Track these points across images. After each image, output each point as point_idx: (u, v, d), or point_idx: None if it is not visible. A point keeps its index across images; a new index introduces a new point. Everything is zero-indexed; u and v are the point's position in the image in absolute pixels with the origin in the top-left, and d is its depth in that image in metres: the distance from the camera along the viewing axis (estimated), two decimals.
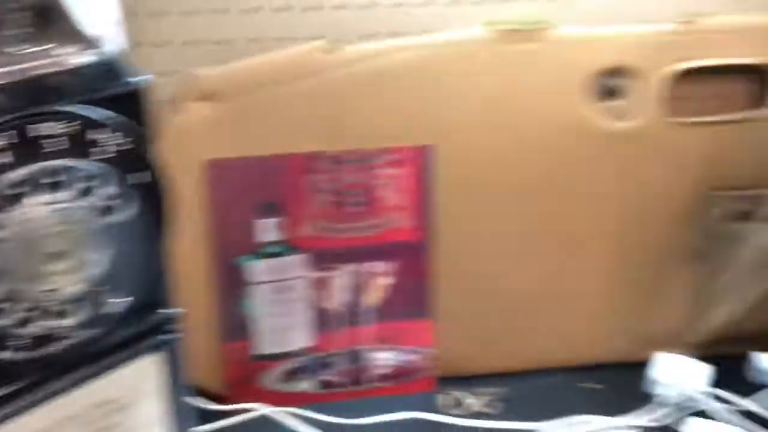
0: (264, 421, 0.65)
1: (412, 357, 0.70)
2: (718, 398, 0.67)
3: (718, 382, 0.69)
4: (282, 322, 0.67)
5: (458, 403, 0.68)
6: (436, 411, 0.67)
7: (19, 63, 0.32)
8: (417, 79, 0.63)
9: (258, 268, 0.65)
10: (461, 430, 0.65)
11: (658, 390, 0.69)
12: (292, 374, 0.68)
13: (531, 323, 0.71)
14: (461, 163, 0.66)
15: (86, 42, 0.34)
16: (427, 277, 0.68)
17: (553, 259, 0.69)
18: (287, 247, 0.65)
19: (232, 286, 0.65)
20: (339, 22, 0.64)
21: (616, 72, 0.66)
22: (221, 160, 0.62)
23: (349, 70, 0.63)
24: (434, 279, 0.68)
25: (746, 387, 0.70)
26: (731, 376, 0.71)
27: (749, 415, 0.66)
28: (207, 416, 0.64)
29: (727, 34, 0.66)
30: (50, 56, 0.32)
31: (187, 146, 0.62)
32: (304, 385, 0.69)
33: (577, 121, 0.66)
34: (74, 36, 0.33)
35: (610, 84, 0.66)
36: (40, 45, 0.32)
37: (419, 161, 0.65)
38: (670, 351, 0.72)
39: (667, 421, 0.66)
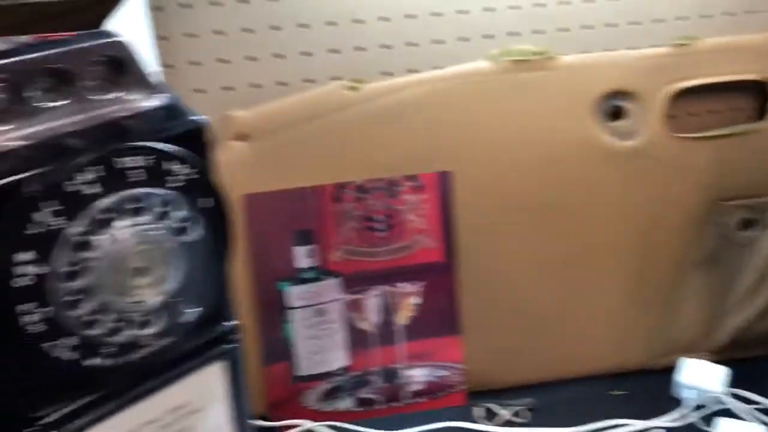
0: None
1: (443, 372, 0.74)
2: (741, 398, 0.70)
3: (740, 383, 0.72)
4: (320, 344, 0.71)
5: (490, 414, 0.72)
6: (470, 422, 0.70)
7: (99, 109, 0.37)
8: (433, 110, 0.68)
9: (295, 293, 0.69)
10: None
11: (683, 393, 0.72)
12: (332, 393, 0.72)
13: (556, 335, 0.75)
14: (480, 185, 0.70)
15: (152, 87, 0.39)
16: (454, 296, 0.72)
17: (572, 272, 0.73)
18: (322, 272, 0.70)
19: (272, 311, 0.69)
20: (358, 63, 0.69)
21: (619, 94, 0.70)
22: (258, 194, 0.67)
23: (370, 105, 0.68)
24: (461, 297, 0.72)
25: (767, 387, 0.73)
26: (753, 377, 0.74)
27: None
28: None
29: (720, 53, 0.71)
30: (124, 101, 0.38)
31: (227, 182, 0.67)
32: (344, 404, 0.72)
33: (587, 142, 0.71)
34: (142, 82, 0.38)
35: (615, 105, 0.71)
36: (115, 92, 0.38)
37: (440, 186, 0.70)
38: (690, 356, 0.75)
39: (692, 421, 0.69)
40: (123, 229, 0.34)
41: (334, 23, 0.68)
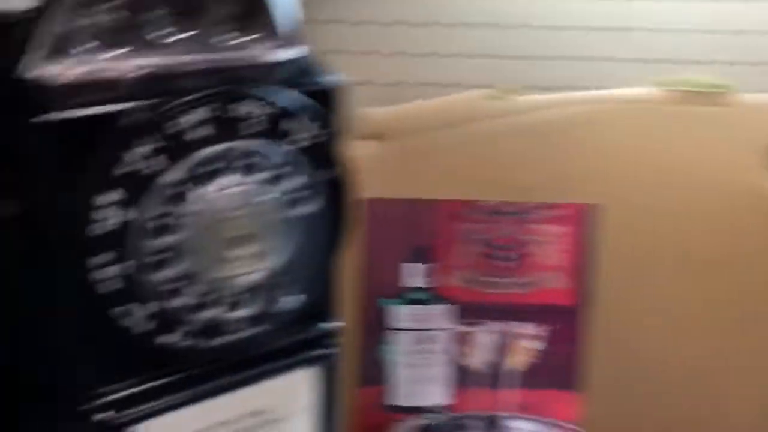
0: None
1: (553, 430, 0.65)
2: None
3: None
4: (419, 373, 0.64)
5: None
6: None
7: (222, 51, 0.32)
8: (585, 134, 0.61)
9: (401, 314, 0.63)
10: None
11: None
12: (424, 431, 0.65)
13: (692, 407, 0.64)
14: (626, 226, 0.61)
15: (284, 39, 0.33)
16: (578, 346, 0.63)
17: (721, 337, 0.63)
18: (433, 295, 0.63)
19: (373, 328, 0.63)
20: (514, 72, 0.63)
21: None
22: (380, 200, 0.61)
23: (515, 120, 0.61)
24: (586, 348, 0.63)
25: None
26: None
27: None
28: None
29: None
30: (249, 48, 0.33)
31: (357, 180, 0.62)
32: None
33: (755, 193, 0.61)
34: (273, 32, 0.33)
35: None
36: (241, 38, 0.33)
37: (581, 220, 0.62)
38: None
39: None
40: (227, 187, 0.28)
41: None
